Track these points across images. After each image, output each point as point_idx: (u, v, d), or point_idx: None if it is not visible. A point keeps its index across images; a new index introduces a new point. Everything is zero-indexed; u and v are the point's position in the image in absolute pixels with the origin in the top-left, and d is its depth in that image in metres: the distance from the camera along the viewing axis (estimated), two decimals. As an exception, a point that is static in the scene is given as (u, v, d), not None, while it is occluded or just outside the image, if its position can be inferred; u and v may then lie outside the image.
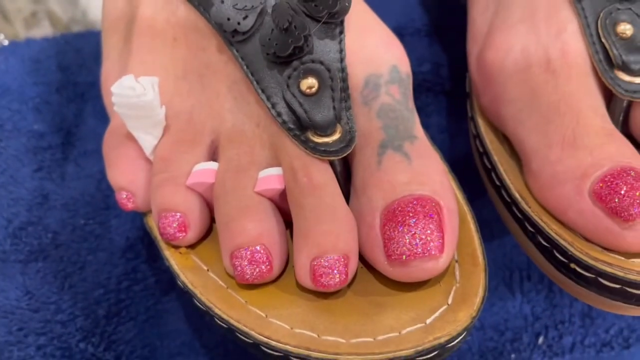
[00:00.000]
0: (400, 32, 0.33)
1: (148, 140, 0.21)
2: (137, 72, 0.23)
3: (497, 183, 0.23)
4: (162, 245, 0.22)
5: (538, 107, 0.22)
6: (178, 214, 0.21)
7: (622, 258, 0.19)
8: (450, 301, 0.19)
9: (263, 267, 0.20)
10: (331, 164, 0.21)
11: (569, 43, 0.22)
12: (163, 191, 0.21)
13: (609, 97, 0.22)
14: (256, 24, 0.21)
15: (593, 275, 0.20)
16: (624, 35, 0.22)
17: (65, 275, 0.27)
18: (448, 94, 0.33)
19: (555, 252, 0.21)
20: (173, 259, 0.21)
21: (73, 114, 0.29)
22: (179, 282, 0.21)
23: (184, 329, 0.28)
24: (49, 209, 0.28)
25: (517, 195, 0.22)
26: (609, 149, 0.20)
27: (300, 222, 0.20)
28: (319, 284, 0.19)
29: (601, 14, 0.22)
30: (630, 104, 0.22)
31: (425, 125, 0.31)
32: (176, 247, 0.22)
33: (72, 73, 0.31)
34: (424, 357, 0.18)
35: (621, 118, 0.22)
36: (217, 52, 0.22)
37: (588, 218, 0.20)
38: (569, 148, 0.21)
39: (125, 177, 0.22)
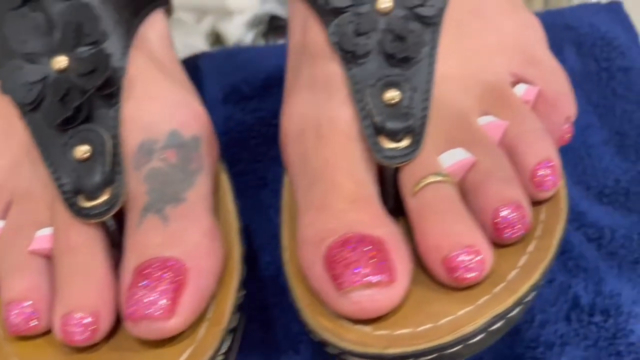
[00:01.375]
0: (268, 84, 0.35)
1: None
2: None
3: (282, 240, 0.24)
4: None
5: (306, 171, 0.23)
6: None
7: (346, 324, 0.20)
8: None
9: (29, 321, 0.22)
10: (105, 226, 0.23)
11: (338, 109, 0.23)
12: None
13: None
14: (39, 96, 0.23)
15: (318, 340, 0.21)
16: (392, 101, 0.22)
17: None
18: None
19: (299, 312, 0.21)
20: None
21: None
22: None
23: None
24: None
25: (286, 254, 0.23)
26: (350, 215, 0.21)
27: (56, 280, 0.22)
28: (67, 340, 0.21)
29: (371, 81, 0.23)
30: (397, 168, 0.23)
31: (279, 175, 0.33)
32: None
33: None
34: None
35: (392, 181, 0.23)
36: (17, 119, 0.24)
37: (319, 283, 0.20)
38: (319, 213, 0.22)
39: None
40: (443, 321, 0.19)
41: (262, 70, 0.35)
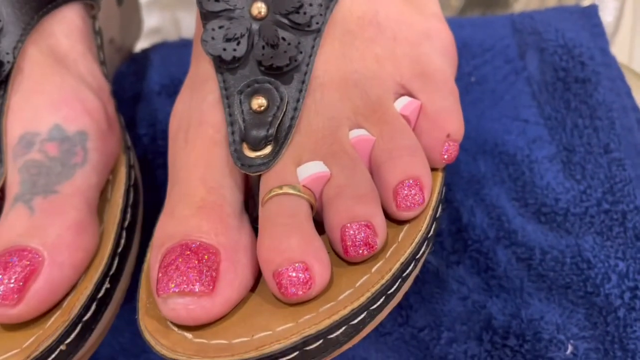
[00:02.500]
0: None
1: None
2: None
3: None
4: None
5: (172, 172, 0.23)
6: None
7: (173, 328, 0.20)
8: (24, 345, 0.21)
9: None
10: None
11: (206, 113, 0.23)
12: None
13: None
14: None
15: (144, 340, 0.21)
16: (259, 109, 0.22)
17: None
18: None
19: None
20: None
21: None
22: None
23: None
24: None
25: (148, 253, 0.23)
26: (190, 222, 0.21)
27: None
28: None
29: (240, 87, 0.23)
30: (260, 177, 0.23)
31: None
32: None
33: None
34: None
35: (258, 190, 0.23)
36: None
37: (152, 285, 0.21)
38: (167, 217, 0.22)
39: None
40: (258, 335, 0.19)
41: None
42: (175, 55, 0.36)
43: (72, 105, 0.25)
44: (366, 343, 0.30)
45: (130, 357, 0.31)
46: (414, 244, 0.21)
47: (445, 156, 0.23)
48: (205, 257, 0.20)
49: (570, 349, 0.29)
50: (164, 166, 0.33)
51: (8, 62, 0.24)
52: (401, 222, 0.22)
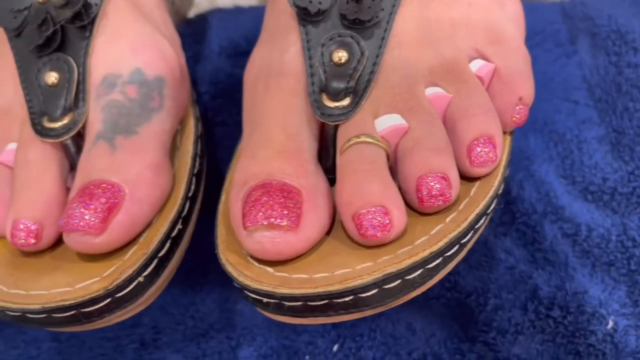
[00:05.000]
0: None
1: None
2: None
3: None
4: None
5: (250, 120, 0.24)
6: None
7: (253, 262, 0.21)
8: (105, 274, 0.22)
9: None
10: (65, 148, 0.25)
11: (287, 63, 0.24)
12: None
13: None
14: (23, 23, 0.25)
15: (228, 275, 0.22)
16: (340, 61, 0.23)
17: None
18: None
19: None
20: None
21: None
22: None
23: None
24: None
25: (223, 194, 0.24)
26: (273, 163, 0.22)
27: (13, 189, 0.24)
28: (13, 243, 0.23)
29: (323, 39, 0.23)
30: (337, 127, 0.23)
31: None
32: None
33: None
34: (58, 315, 0.21)
35: (333, 139, 0.24)
36: (6, 42, 0.26)
37: (235, 221, 0.22)
38: (249, 159, 0.23)
39: None
40: (338, 272, 0.20)
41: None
42: (232, 20, 0.37)
43: (151, 51, 0.26)
44: (412, 307, 0.31)
45: (180, 308, 0.32)
46: (487, 198, 0.22)
47: (516, 118, 0.24)
48: (290, 195, 0.21)
49: (610, 324, 0.30)
50: (222, 124, 0.34)
51: (95, 4, 0.25)
52: (471, 179, 0.23)
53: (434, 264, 0.21)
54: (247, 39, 0.35)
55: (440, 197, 0.21)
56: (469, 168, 0.22)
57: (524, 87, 0.24)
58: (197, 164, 0.26)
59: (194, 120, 0.28)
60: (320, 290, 0.19)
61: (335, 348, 0.31)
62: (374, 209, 0.20)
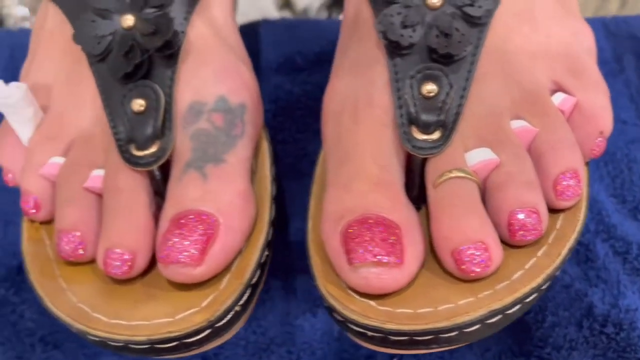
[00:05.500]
0: (320, 59, 0.36)
1: (23, 132, 0.27)
2: (35, 75, 0.28)
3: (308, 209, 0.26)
4: (23, 218, 0.27)
5: (338, 150, 0.24)
6: (32, 195, 0.26)
7: (354, 295, 0.21)
8: (203, 304, 0.22)
9: (76, 249, 0.24)
10: (151, 175, 0.25)
11: (375, 95, 0.24)
12: (22, 175, 0.26)
13: None
14: (107, 49, 0.25)
15: (327, 307, 0.22)
16: (429, 94, 0.23)
17: (-8, 229, 0.34)
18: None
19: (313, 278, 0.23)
20: (26, 230, 0.26)
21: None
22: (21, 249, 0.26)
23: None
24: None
25: (309, 221, 0.25)
26: (370, 197, 0.22)
27: (103, 217, 0.24)
28: (107, 272, 0.23)
29: (411, 72, 0.24)
30: (425, 159, 0.24)
31: (319, 147, 0.34)
32: (33, 221, 0.27)
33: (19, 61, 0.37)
34: (161, 346, 0.22)
35: (419, 171, 0.24)
36: (88, 67, 0.26)
37: (334, 255, 0.22)
38: (342, 191, 0.23)
39: (7, 159, 0.27)
40: (442, 307, 0.21)
41: (317, 44, 0.36)
42: (284, 34, 0.37)
43: (234, 78, 0.26)
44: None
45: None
46: (576, 232, 0.23)
47: (595, 151, 0.25)
48: (390, 231, 0.21)
49: (659, 339, 0.31)
50: (282, 141, 0.34)
51: (182, 32, 0.25)
52: (554, 212, 0.24)
53: (531, 298, 0.21)
54: (302, 54, 0.36)
55: (533, 232, 0.22)
56: (555, 201, 0.23)
57: (606, 121, 0.24)
58: (274, 188, 0.27)
59: (267, 144, 0.28)
60: (429, 326, 0.20)
61: (394, 361, 0.32)
62: (473, 244, 0.21)
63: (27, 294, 0.33)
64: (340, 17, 0.45)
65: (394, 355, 0.33)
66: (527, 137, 0.24)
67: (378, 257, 0.20)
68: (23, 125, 0.26)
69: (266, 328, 0.32)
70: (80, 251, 0.24)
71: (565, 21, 0.26)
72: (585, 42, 0.26)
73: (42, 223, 0.27)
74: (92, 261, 0.25)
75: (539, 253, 0.22)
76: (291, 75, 0.34)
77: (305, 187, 0.35)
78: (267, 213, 0.25)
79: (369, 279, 0.21)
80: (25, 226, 0.27)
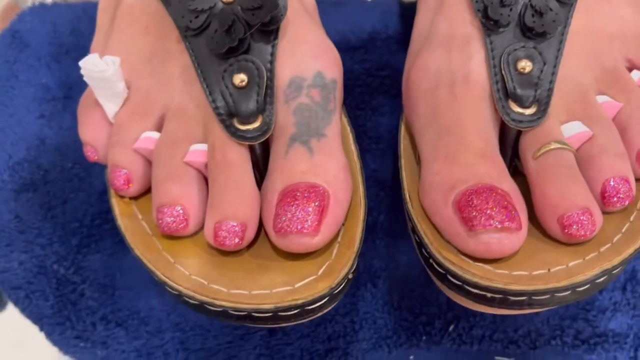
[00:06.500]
0: (373, 37, 0.37)
1: (110, 108, 0.26)
2: (114, 51, 0.27)
3: (402, 182, 0.27)
4: (111, 193, 0.27)
5: (436, 123, 0.25)
6: (124, 170, 0.26)
7: (468, 260, 0.23)
8: (319, 273, 0.23)
9: (180, 223, 0.24)
10: (252, 148, 0.25)
11: (473, 70, 0.25)
12: (113, 150, 0.26)
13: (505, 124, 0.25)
14: (204, 23, 0.25)
15: (443, 272, 0.23)
16: (524, 70, 0.25)
17: (49, 207, 0.33)
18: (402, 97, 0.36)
19: (422, 247, 0.24)
20: (117, 205, 0.26)
21: (76, 74, 0.35)
22: (117, 225, 0.26)
23: (139, 266, 0.33)
24: (44, 151, 0.34)
25: (407, 194, 0.26)
26: (479, 168, 0.23)
27: (212, 190, 0.24)
28: (218, 244, 0.24)
29: (506, 49, 0.25)
30: (519, 131, 0.25)
31: (378, 124, 0.35)
32: (122, 196, 0.27)
33: (82, 38, 0.36)
34: (284, 313, 0.22)
35: (512, 143, 0.26)
36: (176, 42, 0.26)
37: (447, 223, 0.23)
38: (448, 163, 0.24)
39: (90, 135, 0.27)
40: (556, 269, 0.22)
41: (367, 23, 0.37)
42: (333, 13, 0.38)
43: (328, 55, 0.26)
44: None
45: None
46: None
47: None
48: (506, 198, 0.22)
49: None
50: (344, 119, 0.35)
51: (284, 7, 0.25)
52: (638, 180, 0.25)
53: (631, 258, 0.23)
54: (354, 33, 0.36)
55: (626, 198, 0.24)
56: (639, 171, 0.25)
57: None
58: (360, 161, 0.28)
59: (347, 119, 0.29)
60: (548, 286, 0.21)
61: (450, 328, 0.34)
62: (580, 210, 0.23)
63: (87, 272, 0.33)
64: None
65: (451, 322, 0.34)
66: (611, 111, 0.25)
67: (499, 223, 0.22)
68: (111, 101, 0.26)
69: (331, 300, 0.33)
70: (182, 225, 0.24)
71: (635, 5, 0.28)
72: None
73: (131, 198, 0.27)
74: (191, 235, 0.25)
75: (632, 218, 0.24)
76: (349, 53, 0.35)
77: (365, 162, 0.35)
78: (361, 185, 0.26)
79: (490, 244, 0.22)
80: (114, 201, 0.26)
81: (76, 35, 0.36)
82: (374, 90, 0.34)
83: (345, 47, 0.35)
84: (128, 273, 0.32)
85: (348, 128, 0.28)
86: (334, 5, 0.38)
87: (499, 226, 0.22)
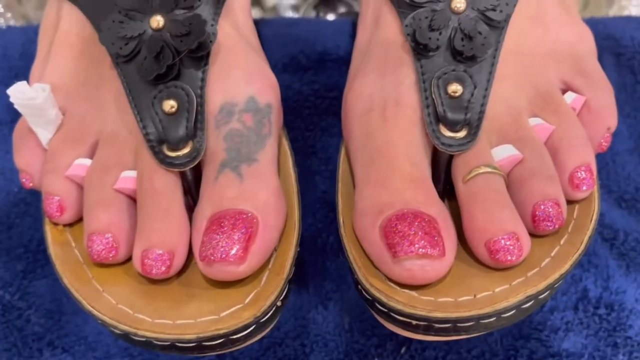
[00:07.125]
0: (323, 58, 0.37)
1: (43, 134, 0.26)
2: (51, 75, 0.27)
3: (337, 206, 0.27)
4: (45, 220, 0.27)
5: (368, 147, 0.25)
6: (56, 197, 0.26)
7: (395, 287, 0.23)
8: (246, 301, 0.23)
9: (109, 251, 0.24)
10: (183, 174, 0.25)
11: (404, 95, 0.25)
12: (46, 178, 0.26)
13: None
14: (134, 50, 0.25)
15: (370, 298, 0.23)
16: (454, 94, 0.25)
17: (-6, 232, 0.33)
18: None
19: (352, 273, 0.24)
20: (50, 233, 0.26)
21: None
22: (48, 253, 0.26)
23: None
24: (-10, 175, 0.34)
25: (340, 219, 0.26)
26: (407, 193, 0.23)
27: (140, 218, 0.24)
28: (145, 272, 0.23)
29: (437, 73, 0.25)
30: (452, 155, 0.25)
31: (327, 145, 0.35)
32: (56, 224, 0.26)
33: (31, 61, 0.36)
34: (208, 343, 0.22)
35: (445, 167, 0.25)
36: (109, 67, 0.26)
37: (374, 249, 0.23)
38: (377, 187, 0.24)
39: (25, 162, 0.27)
40: (481, 295, 0.22)
41: (319, 43, 0.37)
42: (284, 34, 0.38)
43: (261, 79, 0.26)
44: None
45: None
46: (594, 220, 0.24)
47: (603, 145, 0.26)
48: (431, 224, 0.22)
49: (644, 318, 0.34)
50: (293, 140, 0.35)
51: (213, 33, 0.25)
52: (570, 203, 0.25)
53: (558, 283, 0.23)
54: (304, 53, 0.36)
55: (556, 222, 0.24)
56: (571, 193, 0.25)
57: (612, 118, 0.26)
58: (298, 185, 0.27)
59: (287, 142, 0.29)
60: (472, 313, 0.21)
61: (402, 350, 0.33)
62: (507, 235, 0.22)
63: (33, 298, 0.33)
64: (329, 17, 0.46)
65: (403, 344, 0.34)
66: (544, 133, 0.25)
67: (422, 249, 0.22)
68: (44, 127, 0.26)
69: (280, 322, 0.33)
70: (112, 253, 0.24)
71: (571, 25, 0.28)
72: (589, 44, 0.28)
73: (65, 225, 0.26)
74: (122, 263, 0.25)
75: (562, 242, 0.24)
76: (298, 75, 0.35)
77: (314, 184, 0.35)
78: (296, 210, 0.26)
79: (414, 270, 0.22)
80: (48, 229, 0.26)
81: (25, 59, 0.36)
82: (323, 112, 0.34)
83: (294, 69, 0.35)
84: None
85: (288, 152, 0.28)
86: (288, 26, 0.38)
87: (421, 252, 0.22)
